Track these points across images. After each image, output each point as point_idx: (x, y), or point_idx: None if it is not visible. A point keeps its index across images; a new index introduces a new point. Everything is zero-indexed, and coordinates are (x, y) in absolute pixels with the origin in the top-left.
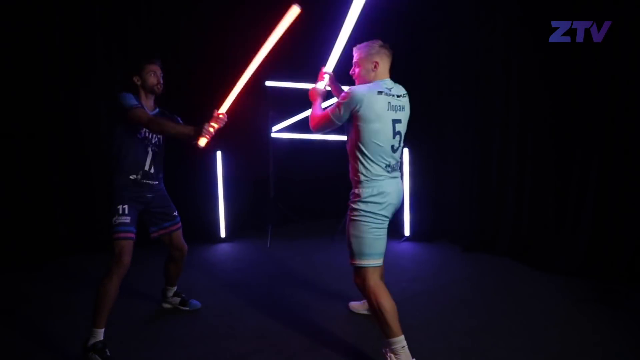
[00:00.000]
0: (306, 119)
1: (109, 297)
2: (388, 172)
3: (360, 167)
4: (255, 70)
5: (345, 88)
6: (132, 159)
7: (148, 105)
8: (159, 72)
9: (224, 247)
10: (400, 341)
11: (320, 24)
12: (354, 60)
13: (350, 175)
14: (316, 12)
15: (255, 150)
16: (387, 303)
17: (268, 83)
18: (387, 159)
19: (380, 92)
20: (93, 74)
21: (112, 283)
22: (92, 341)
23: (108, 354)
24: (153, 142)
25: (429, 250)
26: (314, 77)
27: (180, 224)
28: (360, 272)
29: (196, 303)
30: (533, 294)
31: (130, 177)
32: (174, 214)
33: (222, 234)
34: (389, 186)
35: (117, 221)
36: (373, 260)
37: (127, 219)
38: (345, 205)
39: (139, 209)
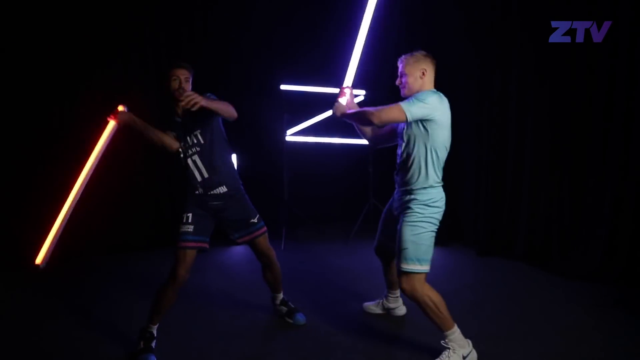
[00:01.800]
0: (320, 122)
1: (162, 304)
2: (441, 179)
3: (431, 172)
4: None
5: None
6: (187, 175)
7: (181, 112)
8: (183, 76)
9: (238, 250)
10: (457, 329)
11: (334, 28)
12: (400, 70)
13: (410, 180)
14: (331, 16)
15: (270, 153)
16: (438, 297)
17: (283, 87)
18: (442, 166)
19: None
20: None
21: (165, 293)
22: (145, 330)
23: (153, 345)
24: (193, 148)
25: (444, 254)
26: (328, 81)
27: (263, 229)
28: (414, 278)
29: (301, 318)
30: (548, 298)
31: (196, 192)
32: (252, 220)
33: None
34: (443, 193)
35: (181, 230)
36: (428, 266)
37: (190, 228)
38: (357, 209)
39: (210, 217)
